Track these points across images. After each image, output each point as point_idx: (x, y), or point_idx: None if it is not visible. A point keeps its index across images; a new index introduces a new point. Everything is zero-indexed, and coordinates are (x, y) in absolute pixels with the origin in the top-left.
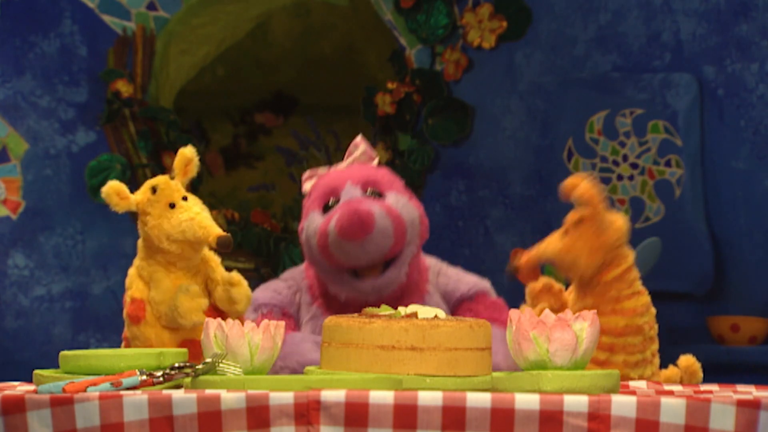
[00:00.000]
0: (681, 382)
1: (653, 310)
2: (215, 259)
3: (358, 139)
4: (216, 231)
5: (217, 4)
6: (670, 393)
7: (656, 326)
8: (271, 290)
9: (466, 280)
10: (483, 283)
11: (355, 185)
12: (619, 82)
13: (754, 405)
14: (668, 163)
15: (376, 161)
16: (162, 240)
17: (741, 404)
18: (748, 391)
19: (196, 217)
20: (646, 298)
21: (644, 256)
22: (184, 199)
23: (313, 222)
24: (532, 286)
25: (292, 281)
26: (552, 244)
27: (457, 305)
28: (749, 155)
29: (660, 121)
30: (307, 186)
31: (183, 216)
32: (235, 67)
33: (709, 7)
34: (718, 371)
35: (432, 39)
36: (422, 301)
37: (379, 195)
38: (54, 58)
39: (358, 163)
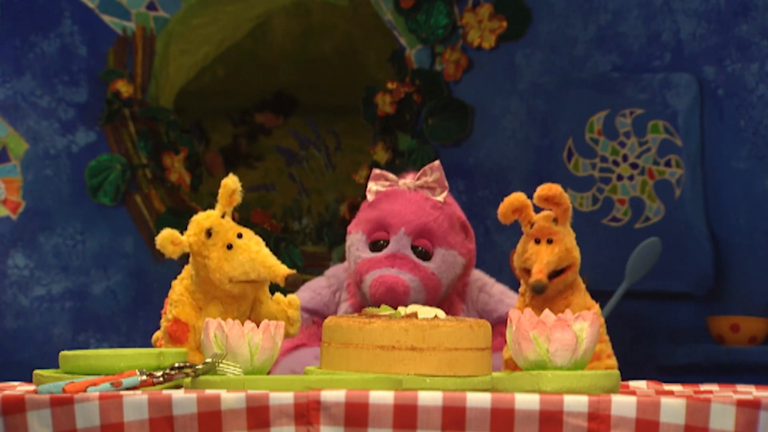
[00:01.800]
0: None
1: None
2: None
3: (436, 164)
4: (282, 271)
5: (217, 4)
6: (670, 393)
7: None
8: (311, 290)
9: (507, 302)
10: None
11: (407, 236)
12: (619, 82)
13: (754, 405)
14: (668, 163)
15: (443, 195)
16: (224, 282)
17: (741, 404)
18: (748, 391)
19: (257, 257)
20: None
21: (644, 256)
22: (239, 236)
23: (356, 247)
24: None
25: (334, 279)
26: (546, 254)
27: (494, 326)
28: (749, 155)
29: (660, 121)
30: (371, 187)
31: (243, 257)
32: (235, 67)
33: (709, 7)
34: (718, 371)
35: (432, 39)
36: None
37: (426, 255)
38: (54, 58)
39: (426, 189)
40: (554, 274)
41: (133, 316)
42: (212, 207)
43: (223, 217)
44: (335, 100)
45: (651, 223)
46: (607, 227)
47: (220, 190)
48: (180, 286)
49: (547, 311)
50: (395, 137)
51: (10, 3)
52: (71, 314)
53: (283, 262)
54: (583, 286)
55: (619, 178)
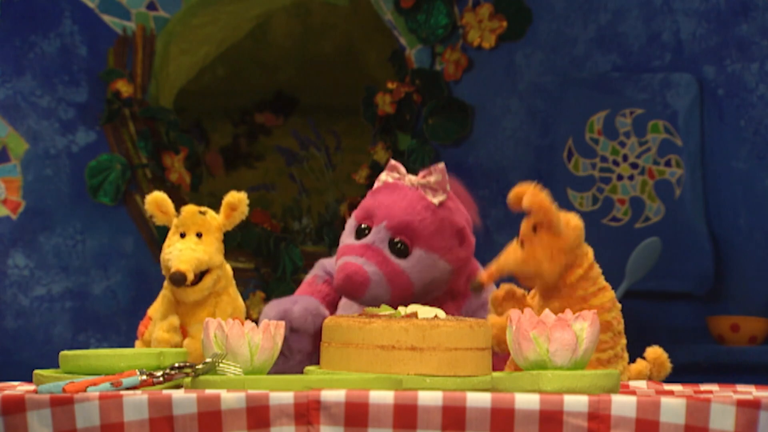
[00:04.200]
0: (650, 376)
1: (619, 306)
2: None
3: (441, 166)
4: (178, 266)
5: (217, 4)
6: (670, 393)
7: (623, 321)
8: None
9: None
10: None
11: (388, 229)
12: (619, 82)
13: (754, 405)
14: (668, 163)
15: (440, 198)
16: (163, 267)
17: (741, 404)
18: (748, 391)
19: (184, 251)
20: (611, 293)
21: (644, 256)
22: (199, 235)
23: (345, 233)
24: (495, 294)
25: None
26: (511, 256)
27: None
28: (749, 155)
29: (660, 121)
30: (381, 176)
31: (178, 246)
32: (235, 67)
33: (709, 7)
34: (718, 371)
35: (432, 39)
36: None
37: (403, 252)
38: (54, 58)
39: (427, 189)
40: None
41: (133, 316)
42: (212, 207)
43: (203, 214)
44: (335, 100)
45: (651, 223)
46: (607, 227)
47: (226, 197)
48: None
49: (547, 311)
50: (395, 137)
51: (10, 3)
52: (71, 314)
53: (283, 262)
54: (602, 284)
55: (619, 178)
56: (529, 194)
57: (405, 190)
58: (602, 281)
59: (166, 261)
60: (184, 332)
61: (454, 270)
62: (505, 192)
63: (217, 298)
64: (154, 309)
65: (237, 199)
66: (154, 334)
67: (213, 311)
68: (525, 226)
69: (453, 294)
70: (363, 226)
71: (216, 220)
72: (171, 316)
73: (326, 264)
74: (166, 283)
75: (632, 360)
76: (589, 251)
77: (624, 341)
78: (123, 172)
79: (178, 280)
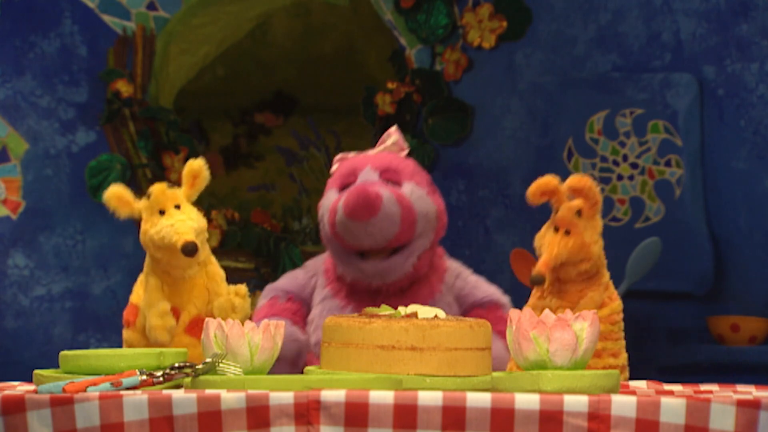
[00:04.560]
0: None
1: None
2: (220, 274)
3: (393, 129)
4: (183, 238)
5: (217, 4)
6: (670, 393)
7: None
8: (290, 276)
9: (484, 289)
10: (499, 296)
11: (374, 170)
12: (619, 82)
13: (754, 405)
14: (668, 163)
15: (404, 153)
16: (149, 246)
17: (741, 404)
18: (748, 391)
19: (176, 224)
20: (620, 304)
21: (644, 256)
22: (177, 207)
23: (328, 200)
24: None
25: (312, 266)
26: (561, 244)
27: (468, 310)
28: (749, 155)
29: (660, 121)
30: (334, 168)
31: (165, 222)
32: (235, 67)
33: (709, 7)
34: (718, 371)
35: (432, 39)
36: (432, 299)
37: (395, 183)
38: (54, 58)
39: (388, 152)
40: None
41: None
42: (212, 207)
43: (171, 188)
44: (335, 100)
45: (651, 223)
46: (607, 227)
47: (185, 168)
48: (140, 275)
49: (547, 311)
50: None
51: (10, 3)
52: (71, 314)
53: (283, 262)
54: (605, 281)
55: (619, 177)
56: (577, 177)
57: (368, 155)
58: (612, 289)
59: (162, 238)
60: (176, 314)
61: (438, 214)
62: (506, 192)
63: (204, 268)
64: (138, 296)
65: (197, 165)
66: (147, 322)
67: (204, 281)
68: (567, 212)
69: (433, 267)
70: (347, 182)
71: (183, 192)
72: (160, 303)
73: (279, 285)
74: (147, 270)
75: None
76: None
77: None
78: (123, 172)
79: (192, 250)
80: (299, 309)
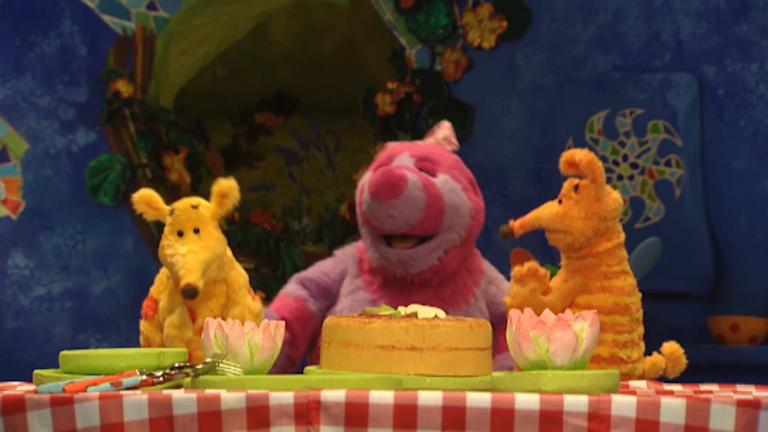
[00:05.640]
0: (665, 369)
1: (639, 294)
2: (239, 281)
3: (445, 123)
4: (188, 278)
5: (217, 4)
6: (670, 393)
7: (642, 310)
8: (318, 266)
9: None
10: None
11: (411, 157)
12: (619, 82)
13: (754, 405)
14: (668, 163)
15: (452, 148)
16: (163, 262)
17: (741, 404)
18: (748, 391)
19: (188, 256)
20: (633, 280)
21: (644, 256)
22: (196, 231)
23: (362, 180)
24: (518, 269)
25: (343, 255)
26: (547, 209)
27: (498, 321)
28: (749, 155)
29: (660, 121)
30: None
31: (180, 249)
32: (235, 67)
33: (709, 7)
34: (718, 371)
35: (432, 39)
36: (466, 304)
37: (430, 172)
38: (54, 58)
39: (435, 143)
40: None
41: (133, 316)
42: None
43: (195, 208)
44: (335, 100)
45: (651, 223)
46: None
47: (214, 186)
48: (162, 269)
49: (547, 311)
50: (395, 137)
51: (10, 3)
52: (71, 314)
53: (284, 262)
54: (626, 268)
55: (619, 177)
56: (582, 152)
57: (417, 143)
58: (627, 265)
59: (171, 266)
60: (193, 317)
61: (471, 211)
62: (506, 192)
63: (226, 274)
64: (158, 290)
65: (227, 186)
66: (164, 330)
67: (224, 288)
68: (567, 184)
69: (468, 268)
70: (384, 164)
71: (209, 210)
72: (178, 308)
73: (302, 274)
74: (166, 270)
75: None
76: (622, 233)
77: (641, 329)
78: (123, 172)
79: (191, 294)
80: (299, 307)
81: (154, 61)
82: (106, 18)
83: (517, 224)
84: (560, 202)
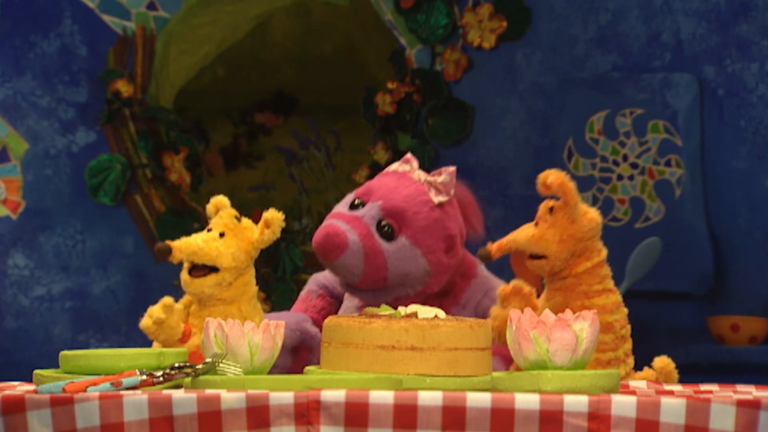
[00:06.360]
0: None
1: (625, 310)
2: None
3: (452, 169)
4: (170, 242)
5: (217, 4)
6: (670, 393)
7: (628, 326)
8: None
9: None
10: None
11: (381, 209)
12: (619, 82)
13: (754, 405)
14: (668, 163)
15: (440, 200)
16: None
17: (741, 404)
18: (748, 391)
19: (191, 237)
20: (616, 297)
21: (644, 256)
22: (221, 235)
23: (339, 206)
24: (503, 289)
25: None
26: (523, 232)
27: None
28: (749, 155)
29: (660, 121)
30: (393, 166)
31: (200, 237)
32: (235, 67)
33: (709, 7)
34: (718, 371)
35: (432, 39)
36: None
37: (390, 232)
38: (54, 58)
39: (432, 188)
40: (535, 257)
41: (133, 316)
42: None
43: (238, 220)
44: (335, 100)
45: (651, 223)
46: (607, 227)
47: (265, 213)
48: None
49: (547, 311)
50: (395, 137)
51: (10, 3)
52: (71, 314)
53: (283, 262)
54: (609, 286)
55: (619, 178)
56: (554, 174)
57: (411, 181)
58: (609, 283)
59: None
60: (188, 330)
61: (431, 273)
62: (506, 192)
63: (225, 307)
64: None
65: (273, 217)
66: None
67: (239, 305)
68: (543, 207)
69: (451, 290)
70: (358, 201)
71: (249, 231)
72: (167, 297)
73: (319, 278)
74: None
75: (639, 367)
76: (603, 251)
77: (628, 346)
78: (123, 172)
79: (161, 250)
80: (327, 305)
81: (154, 61)
82: (106, 18)
83: (494, 247)
84: (537, 224)
